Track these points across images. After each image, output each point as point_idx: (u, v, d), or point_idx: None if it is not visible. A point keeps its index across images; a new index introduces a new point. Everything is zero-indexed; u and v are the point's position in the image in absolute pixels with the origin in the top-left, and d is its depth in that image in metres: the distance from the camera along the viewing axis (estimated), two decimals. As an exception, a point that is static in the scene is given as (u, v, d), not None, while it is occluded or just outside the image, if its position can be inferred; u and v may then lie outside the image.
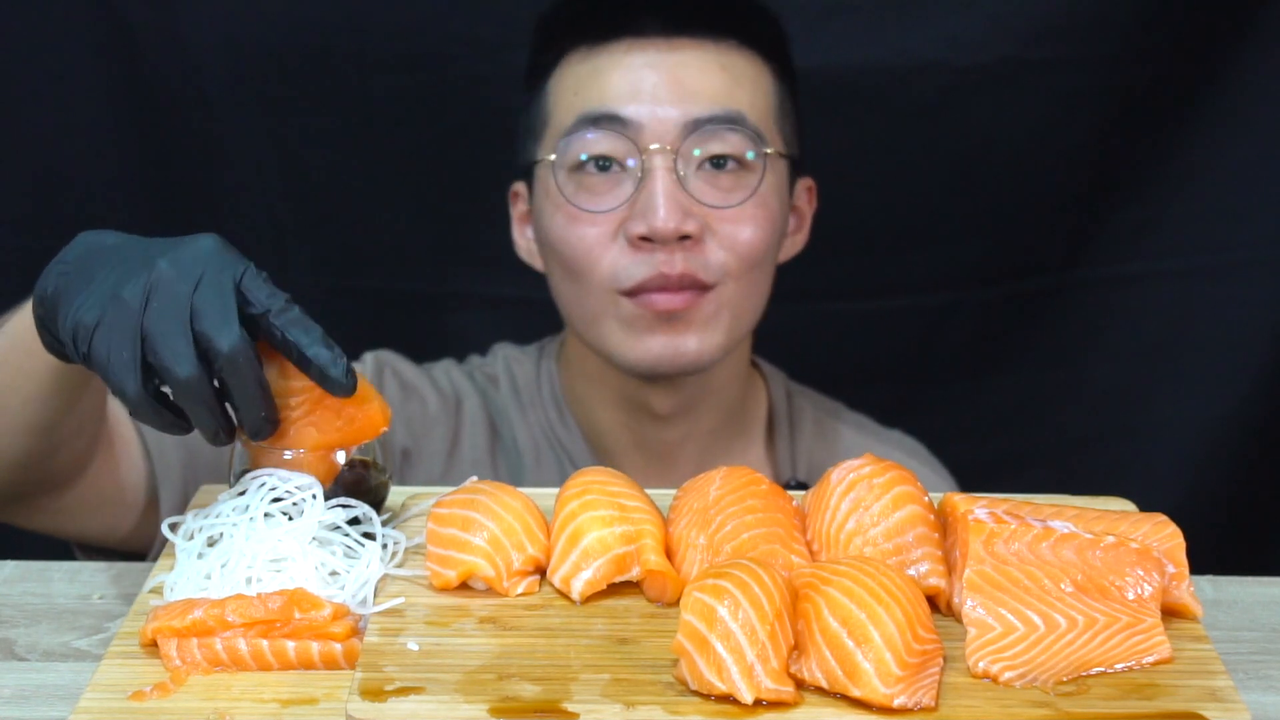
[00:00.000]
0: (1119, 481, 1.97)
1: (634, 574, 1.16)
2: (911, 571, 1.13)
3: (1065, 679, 1.06)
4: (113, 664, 1.09)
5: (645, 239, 1.56)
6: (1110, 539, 1.11)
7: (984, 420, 2.26)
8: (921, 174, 2.12)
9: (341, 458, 1.18)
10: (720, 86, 1.59)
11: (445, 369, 1.81)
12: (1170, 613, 1.13)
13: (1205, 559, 1.26)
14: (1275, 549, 2.24)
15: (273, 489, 1.16)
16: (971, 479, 1.77)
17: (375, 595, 1.15)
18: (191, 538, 1.17)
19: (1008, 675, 1.05)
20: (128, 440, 1.51)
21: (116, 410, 1.48)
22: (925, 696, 1.02)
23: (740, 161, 1.59)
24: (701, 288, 1.58)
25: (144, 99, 2.06)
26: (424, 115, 2.07)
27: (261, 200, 2.12)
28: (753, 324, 1.68)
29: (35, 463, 1.36)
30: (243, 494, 1.17)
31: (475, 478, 1.24)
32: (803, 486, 1.56)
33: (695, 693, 1.03)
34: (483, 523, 1.16)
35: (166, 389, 1.09)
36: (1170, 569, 1.14)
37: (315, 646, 1.08)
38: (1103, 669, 1.07)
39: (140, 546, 1.54)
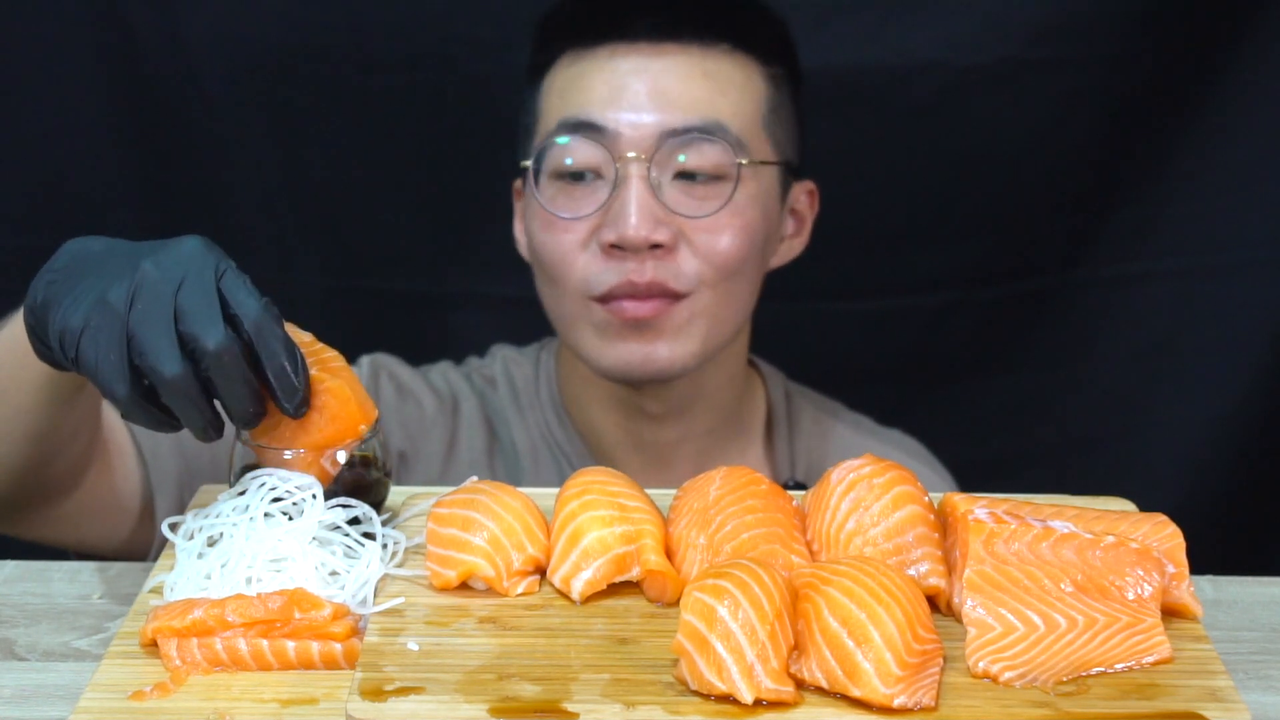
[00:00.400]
0: (1119, 481, 1.97)
1: (634, 574, 1.16)
2: (911, 571, 1.13)
3: (1065, 679, 1.06)
4: (113, 664, 1.09)
5: (616, 247, 1.57)
6: (1110, 539, 1.11)
7: (984, 420, 2.26)
8: (921, 174, 2.12)
9: (342, 457, 1.18)
10: (702, 95, 1.59)
11: (442, 371, 1.81)
12: (1170, 613, 1.13)
13: (1205, 559, 1.26)
14: (1275, 549, 2.24)
15: (273, 489, 1.16)
16: (971, 479, 1.77)
17: (375, 595, 1.15)
18: (191, 538, 1.17)
19: (1008, 675, 1.05)
20: (123, 448, 1.51)
21: (111, 418, 1.49)
22: (925, 696, 1.02)
23: (716, 172, 1.59)
24: (673, 296, 1.58)
25: (144, 99, 2.06)
26: (424, 115, 2.08)
27: (261, 200, 2.12)
28: (733, 332, 1.67)
29: (31, 472, 1.36)
30: (243, 494, 1.17)
31: (475, 478, 1.24)
32: (801, 487, 1.56)
33: (695, 693, 1.03)
34: (483, 523, 1.16)
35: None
36: (1170, 569, 1.14)
37: (315, 646, 1.08)
38: (1103, 669, 1.07)
39: (137, 554, 1.54)
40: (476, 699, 1.02)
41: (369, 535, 1.19)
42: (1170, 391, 2.22)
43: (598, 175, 1.59)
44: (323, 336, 1.19)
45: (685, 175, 1.58)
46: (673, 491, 1.24)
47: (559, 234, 1.60)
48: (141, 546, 1.54)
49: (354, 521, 1.18)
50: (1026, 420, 2.27)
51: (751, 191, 1.61)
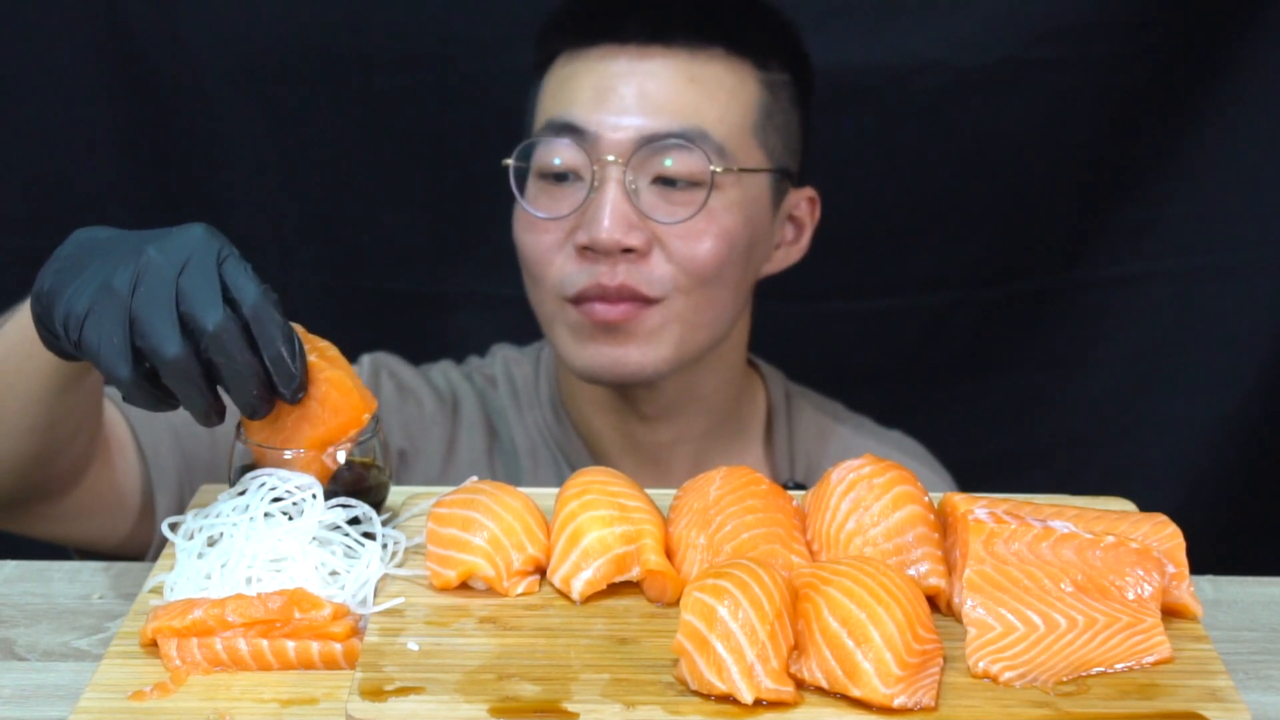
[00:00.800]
0: (1119, 481, 1.97)
1: (634, 574, 1.16)
2: (911, 571, 1.13)
3: (1065, 679, 1.06)
4: (113, 664, 1.09)
5: (588, 249, 1.57)
6: (1110, 539, 1.11)
7: (984, 420, 2.26)
8: (921, 174, 2.12)
9: (342, 457, 1.18)
10: (687, 100, 1.58)
11: (443, 370, 1.81)
12: (1170, 613, 1.13)
13: (1205, 559, 1.26)
14: (1275, 549, 2.24)
15: (273, 489, 1.16)
16: (971, 479, 1.77)
17: (375, 595, 1.15)
18: (191, 537, 1.17)
19: (1008, 675, 1.05)
20: (124, 444, 1.51)
21: (113, 414, 1.49)
22: (925, 696, 1.02)
23: (694, 178, 1.58)
24: (644, 300, 1.58)
25: (144, 99, 2.06)
26: (424, 115, 2.08)
27: (261, 200, 2.12)
28: (712, 338, 1.66)
29: (34, 466, 1.37)
30: (243, 494, 1.17)
31: (475, 478, 1.24)
32: (801, 488, 1.56)
33: (695, 693, 1.03)
34: (483, 523, 1.16)
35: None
36: (1170, 569, 1.14)
37: (315, 646, 1.08)
38: (1103, 669, 1.07)
39: (137, 551, 1.55)
40: (476, 699, 1.02)
41: (369, 535, 1.19)
42: (1170, 391, 2.22)
43: (578, 177, 1.59)
44: (322, 336, 1.19)
45: (665, 181, 1.58)
46: (672, 491, 1.24)
47: (539, 234, 1.61)
48: (141, 544, 1.55)
49: (354, 521, 1.18)
50: (1026, 420, 2.27)
51: (733, 198, 1.60)
